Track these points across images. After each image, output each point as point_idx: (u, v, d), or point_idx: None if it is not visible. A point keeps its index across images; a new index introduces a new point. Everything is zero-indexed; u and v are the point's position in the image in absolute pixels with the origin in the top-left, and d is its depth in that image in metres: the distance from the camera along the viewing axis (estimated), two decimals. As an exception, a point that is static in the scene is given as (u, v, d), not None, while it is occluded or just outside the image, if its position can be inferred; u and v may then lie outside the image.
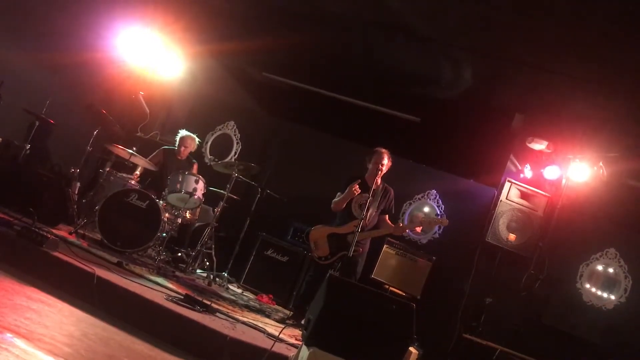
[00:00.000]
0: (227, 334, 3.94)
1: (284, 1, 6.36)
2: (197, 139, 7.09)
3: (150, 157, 6.77)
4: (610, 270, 6.35)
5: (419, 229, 5.69)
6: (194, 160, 7.08)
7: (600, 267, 6.40)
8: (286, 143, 8.25)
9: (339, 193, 5.61)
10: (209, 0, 6.79)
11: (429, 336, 5.95)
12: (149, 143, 8.00)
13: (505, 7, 5.07)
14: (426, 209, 7.35)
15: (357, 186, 5.33)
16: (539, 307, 6.29)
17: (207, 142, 8.48)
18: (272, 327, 4.82)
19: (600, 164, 6.12)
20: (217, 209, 6.31)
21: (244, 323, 4.53)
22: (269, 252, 6.90)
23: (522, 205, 6.45)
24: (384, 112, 7.67)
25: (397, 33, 6.19)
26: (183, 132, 7.03)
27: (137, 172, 6.64)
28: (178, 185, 6.13)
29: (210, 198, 6.58)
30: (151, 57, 7.71)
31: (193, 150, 7.07)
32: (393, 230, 5.55)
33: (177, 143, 6.98)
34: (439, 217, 7.04)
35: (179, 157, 6.93)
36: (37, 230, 4.57)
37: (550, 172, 6.40)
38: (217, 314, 4.48)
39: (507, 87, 6.59)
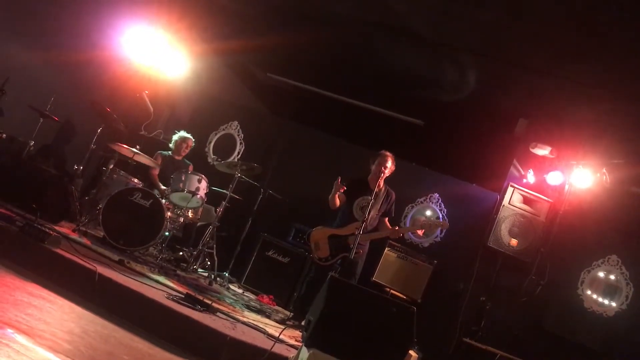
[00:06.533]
0: (228, 334, 3.93)
1: (288, 2, 6.37)
2: (193, 141, 7.25)
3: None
4: (612, 277, 6.33)
5: (420, 232, 5.70)
6: (189, 162, 7.18)
7: (601, 274, 6.38)
8: (289, 144, 8.25)
9: None
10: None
11: (429, 340, 5.93)
12: (152, 142, 8.01)
13: (510, 12, 5.07)
14: (428, 213, 7.35)
15: (340, 181, 5.39)
16: (540, 312, 6.28)
17: (210, 142, 8.49)
18: (273, 328, 4.82)
19: (604, 170, 6.11)
20: (219, 209, 6.31)
21: (244, 323, 4.53)
22: (270, 253, 6.89)
23: (525, 211, 6.44)
24: (387, 114, 7.67)
25: (402, 36, 6.19)
26: (182, 133, 7.16)
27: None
28: (181, 185, 6.15)
29: (212, 198, 6.59)
30: (156, 55, 7.72)
31: (188, 150, 7.20)
32: (391, 233, 5.58)
33: (176, 143, 7.03)
34: (441, 220, 7.04)
35: (177, 158, 7.00)
36: (39, 226, 4.57)
37: (553, 178, 6.39)
38: (218, 313, 4.47)
39: (511, 92, 6.59)
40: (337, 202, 5.53)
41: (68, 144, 7.43)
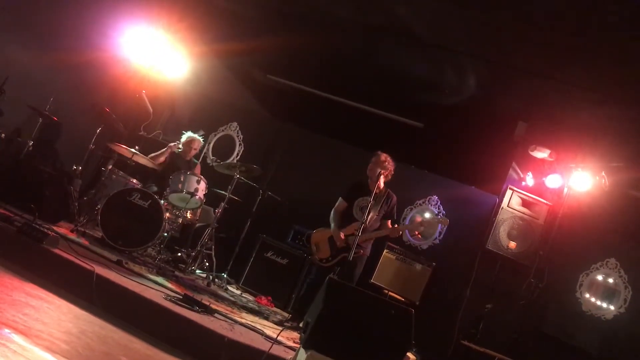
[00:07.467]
0: (225, 335, 3.93)
1: (288, 4, 6.37)
2: (202, 140, 7.13)
3: (158, 153, 6.74)
4: (610, 280, 6.33)
5: (418, 234, 5.70)
6: (197, 161, 7.10)
7: (600, 277, 6.38)
8: (288, 145, 8.25)
9: (340, 198, 5.69)
10: (213, 1, 6.81)
11: (427, 342, 5.94)
12: (152, 142, 8.01)
13: (510, 16, 5.08)
14: (427, 215, 7.34)
15: (343, 236, 5.45)
16: (538, 315, 6.27)
17: (209, 143, 8.49)
18: (271, 329, 4.82)
19: (603, 173, 6.12)
20: (218, 210, 6.31)
21: (242, 324, 4.52)
22: (268, 254, 6.89)
23: (524, 213, 6.44)
24: (387, 116, 7.67)
25: (402, 38, 6.20)
26: (190, 134, 7.04)
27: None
28: (180, 185, 6.13)
29: (211, 199, 6.58)
30: (156, 56, 7.72)
31: (197, 151, 7.12)
32: (390, 232, 5.55)
33: (184, 145, 6.98)
34: (440, 217, 7.02)
35: (185, 158, 6.96)
36: (37, 226, 4.57)
37: (552, 181, 6.40)
38: (216, 314, 4.47)
39: (510, 95, 6.60)
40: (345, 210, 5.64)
41: (67, 144, 7.41)
